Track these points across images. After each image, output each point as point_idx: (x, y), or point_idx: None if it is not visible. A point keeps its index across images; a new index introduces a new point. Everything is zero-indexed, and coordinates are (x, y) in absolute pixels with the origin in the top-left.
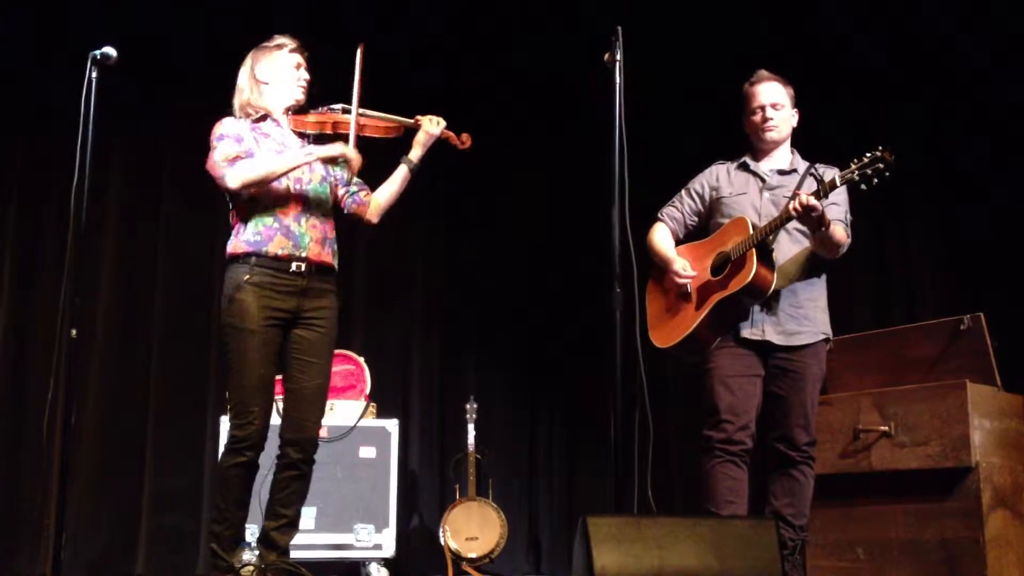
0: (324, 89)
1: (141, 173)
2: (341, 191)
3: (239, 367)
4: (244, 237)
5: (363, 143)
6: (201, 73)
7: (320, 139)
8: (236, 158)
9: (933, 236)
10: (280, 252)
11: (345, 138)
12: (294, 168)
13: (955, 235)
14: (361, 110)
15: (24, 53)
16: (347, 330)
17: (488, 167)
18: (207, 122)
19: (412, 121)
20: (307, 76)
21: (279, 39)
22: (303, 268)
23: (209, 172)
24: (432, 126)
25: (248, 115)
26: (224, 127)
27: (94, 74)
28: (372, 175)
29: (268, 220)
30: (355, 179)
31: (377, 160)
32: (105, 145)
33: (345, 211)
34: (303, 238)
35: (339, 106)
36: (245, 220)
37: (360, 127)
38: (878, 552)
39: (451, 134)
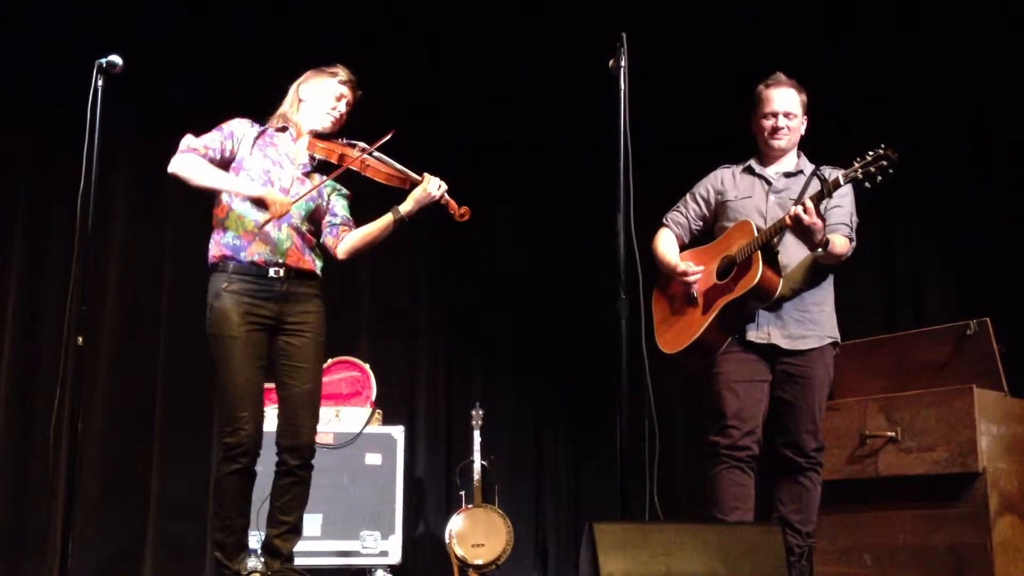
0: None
1: (148, 179)
2: (326, 218)
3: (225, 374)
4: (224, 240)
5: (364, 180)
6: (208, 79)
7: (322, 165)
8: (195, 150)
9: (940, 240)
10: (256, 258)
11: (324, 168)
12: (216, 190)
13: (962, 240)
14: (376, 154)
15: (32, 58)
16: (353, 337)
17: (492, 172)
18: (214, 127)
19: (419, 177)
20: (343, 110)
21: (337, 67)
22: (281, 273)
23: None
24: (432, 187)
25: (278, 122)
26: (228, 122)
27: (100, 82)
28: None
29: (248, 224)
30: (343, 215)
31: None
32: (112, 150)
33: (321, 239)
34: (281, 244)
35: (360, 144)
36: (224, 221)
37: (364, 167)
38: (885, 558)
39: (451, 201)
